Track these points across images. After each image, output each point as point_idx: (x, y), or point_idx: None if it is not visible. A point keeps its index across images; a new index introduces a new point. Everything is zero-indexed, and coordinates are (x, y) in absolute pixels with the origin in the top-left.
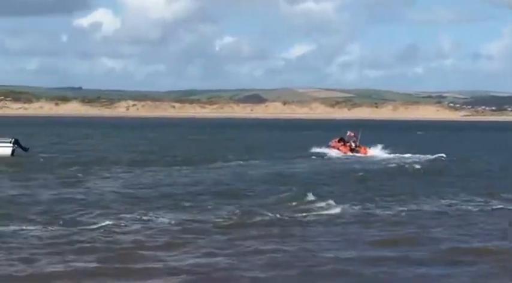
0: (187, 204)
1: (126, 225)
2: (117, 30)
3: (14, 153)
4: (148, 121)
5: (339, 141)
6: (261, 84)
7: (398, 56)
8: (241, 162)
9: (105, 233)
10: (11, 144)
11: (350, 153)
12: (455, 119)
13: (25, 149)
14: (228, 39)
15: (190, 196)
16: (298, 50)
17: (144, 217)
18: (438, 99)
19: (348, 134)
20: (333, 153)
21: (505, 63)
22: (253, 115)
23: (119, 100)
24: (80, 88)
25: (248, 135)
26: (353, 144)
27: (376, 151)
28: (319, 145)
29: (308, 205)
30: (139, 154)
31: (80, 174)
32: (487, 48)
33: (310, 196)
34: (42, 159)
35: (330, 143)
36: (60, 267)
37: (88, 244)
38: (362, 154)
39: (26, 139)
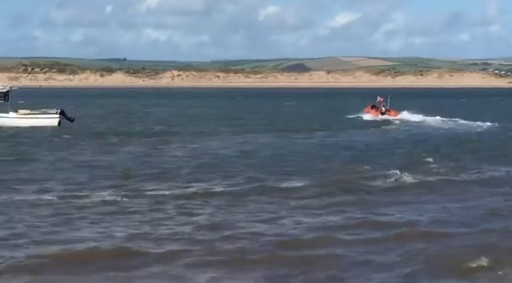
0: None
1: None
2: (161, 1)
3: (60, 124)
4: (195, 91)
5: (371, 108)
6: (305, 53)
7: (443, 23)
8: (324, 133)
9: None
10: (57, 115)
11: (381, 116)
12: (501, 86)
13: (71, 120)
14: (271, 9)
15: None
16: (342, 19)
17: None
18: (483, 66)
19: (377, 99)
20: (367, 116)
21: None
22: (297, 84)
23: (164, 71)
24: (125, 59)
25: (303, 104)
26: (383, 108)
27: (405, 115)
28: (357, 112)
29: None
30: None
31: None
32: None
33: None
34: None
35: (364, 109)
36: None
37: None
38: (392, 117)
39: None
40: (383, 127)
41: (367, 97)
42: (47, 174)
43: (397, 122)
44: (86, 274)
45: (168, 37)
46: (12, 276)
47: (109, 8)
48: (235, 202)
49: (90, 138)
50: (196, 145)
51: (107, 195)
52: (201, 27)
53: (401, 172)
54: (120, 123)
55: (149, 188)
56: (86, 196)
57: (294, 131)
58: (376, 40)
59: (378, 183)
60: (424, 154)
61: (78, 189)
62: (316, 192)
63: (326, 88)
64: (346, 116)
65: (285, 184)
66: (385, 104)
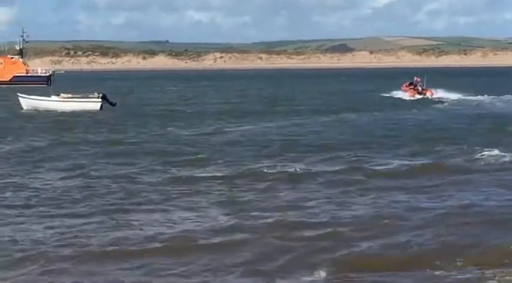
0: None
1: None
2: None
3: (102, 108)
4: (238, 73)
5: (409, 85)
6: (347, 33)
7: (486, 2)
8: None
9: None
10: (100, 99)
11: (418, 95)
12: None
13: (113, 104)
14: None
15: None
16: None
17: None
18: None
19: (415, 79)
20: (404, 95)
21: None
22: (339, 65)
23: (206, 53)
24: (167, 41)
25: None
26: (419, 88)
27: (441, 94)
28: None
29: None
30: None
31: None
32: None
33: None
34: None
35: (402, 87)
36: None
37: None
38: (428, 96)
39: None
40: (433, 105)
41: (411, 77)
42: None
43: (444, 101)
44: None
45: (210, 19)
46: None
47: None
48: None
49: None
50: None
51: None
52: (242, 9)
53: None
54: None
55: None
56: None
57: (359, 110)
58: (419, 20)
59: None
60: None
61: None
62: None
63: (369, 68)
64: (383, 94)
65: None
66: (422, 84)
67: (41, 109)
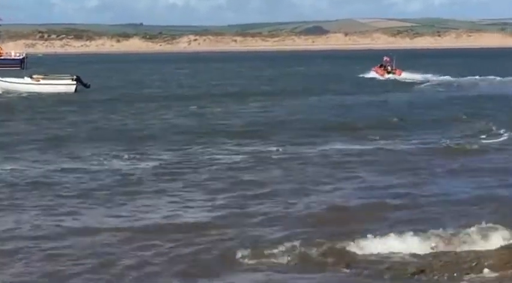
0: None
1: None
2: None
3: (77, 90)
4: (214, 55)
5: (379, 67)
6: (322, 15)
7: None
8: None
9: None
10: (74, 82)
11: (387, 75)
12: None
13: (86, 86)
14: None
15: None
16: None
17: None
18: (502, 26)
19: (384, 59)
20: (375, 75)
21: None
22: (314, 47)
23: (180, 35)
24: (141, 24)
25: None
26: (389, 68)
27: (408, 74)
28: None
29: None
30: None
31: None
32: None
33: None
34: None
35: (372, 68)
36: None
37: None
38: (397, 76)
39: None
40: (416, 86)
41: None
42: None
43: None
44: None
45: (185, 1)
46: None
47: None
48: None
49: None
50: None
51: None
52: None
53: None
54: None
55: None
56: None
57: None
58: (394, 1)
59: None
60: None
61: None
62: None
63: (344, 50)
64: (357, 75)
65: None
66: (391, 64)
67: (14, 91)
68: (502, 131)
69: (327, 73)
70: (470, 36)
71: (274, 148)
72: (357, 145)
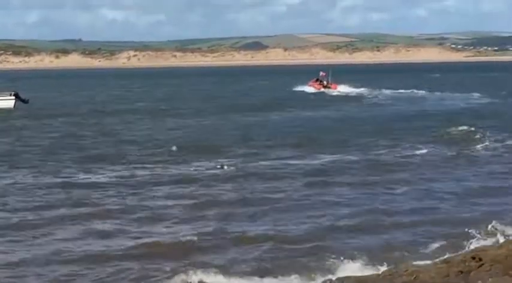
0: None
1: None
2: None
3: (15, 106)
4: (153, 71)
5: (315, 81)
6: (262, 31)
7: None
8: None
9: None
10: (13, 97)
11: (323, 89)
12: (458, 60)
13: (25, 101)
14: None
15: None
16: None
17: None
18: (440, 41)
19: (320, 74)
20: (310, 89)
21: (507, 2)
22: (254, 62)
23: (120, 51)
24: (80, 40)
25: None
26: (325, 82)
27: (343, 88)
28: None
29: None
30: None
31: None
32: None
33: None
34: None
35: (309, 82)
36: None
37: None
38: (332, 90)
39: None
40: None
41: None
42: None
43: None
44: None
45: (125, 17)
46: None
47: None
48: None
49: None
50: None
51: None
52: (157, 7)
53: None
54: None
55: None
56: None
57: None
58: (333, 16)
59: None
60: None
61: None
62: None
63: (283, 65)
64: (293, 89)
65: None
66: (327, 78)
67: None
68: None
69: (262, 88)
70: (408, 51)
71: None
72: None
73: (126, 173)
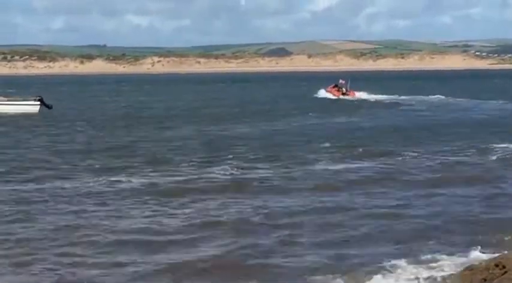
0: None
1: None
2: None
3: (40, 111)
4: (178, 77)
5: (334, 87)
6: (286, 37)
7: (424, 5)
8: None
9: None
10: (38, 102)
11: (342, 96)
12: (482, 68)
13: (49, 107)
14: None
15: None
16: (324, 2)
17: None
18: (464, 48)
19: (340, 81)
20: (329, 95)
21: None
22: (278, 68)
23: (144, 57)
24: (105, 46)
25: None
26: (344, 89)
27: (362, 95)
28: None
29: None
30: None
31: None
32: None
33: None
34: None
35: (327, 88)
36: None
37: None
38: (351, 97)
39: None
40: (400, 107)
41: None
42: None
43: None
44: None
45: (149, 23)
46: None
47: None
48: None
49: None
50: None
51: None
52: (182, 13)
53: None
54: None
55: None
56: None
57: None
58: (357, 23)
59: None
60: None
61: None
62: None
63: (307, 72)
64: (314, 95)
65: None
66: (346, 86)
67: None
68: None
69: (284, 94)
70: (432, 58)
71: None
72: None
73: None
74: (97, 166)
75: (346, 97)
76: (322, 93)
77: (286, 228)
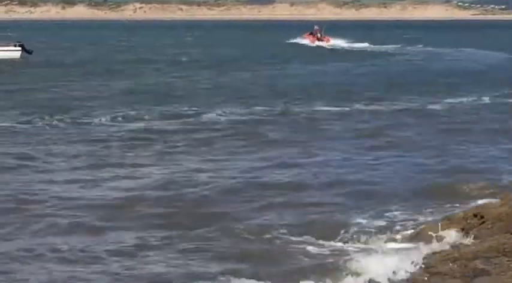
0: None
1: None
2: None
3: (21, 57)
4: (157, 23)
5: (309, 34)
6: None
7: None
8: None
9: None
10: (19, 48)
11: (317, 42)
12: (465, 18)
13: (29, 52)
14: None
15: None
16: None
17: None
18: None
19: (314, 28)
20: (305, 41)
21: None
22: (260, 17)
23: (126, 3)
24: None
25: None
26: (319, 35)
27: (337, 41)
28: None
29: None
30: None
31: None
32: None
33: None
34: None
35: (303, 35)
36: None
37: None
38: (325, 42)
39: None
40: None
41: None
42: None
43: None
44: None
45: None
46: None
47: None
48: None
49: None
50: None
51: None
52: None
53: None
54: None
55: None
56: None
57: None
58: None
59: None
60: None
61: None
62: None
63: (289, 20)
64: (287, 41)
65: None
66: (321, 32)
67: None
68: None
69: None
70: (415, 8)
71: None
72: None
73: None
74: None
75: (321, 43)
76: (299, 40)
77: None
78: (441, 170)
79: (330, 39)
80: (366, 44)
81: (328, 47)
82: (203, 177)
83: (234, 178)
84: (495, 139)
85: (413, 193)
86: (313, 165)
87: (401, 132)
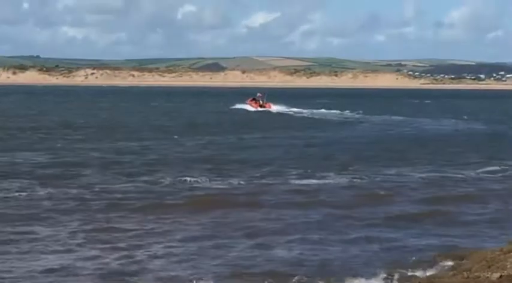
0: None
1: None
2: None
3: None
4: (109, 89)
5: (252, 100)
6: (221, 52)
7: (359, 24)
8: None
9: None
10: None
11: (259, 108)
12: (415, 87)
13: None
14: (189, 8)
15: None
16: (260, 18)
17: None
18: (398, 68)
19: (258, 94)
20: (248, 107)
21: (465, 32)
22: (212, 83)
23: (78, 69)
24: (38, 56)
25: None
26: (261, 102)
27: (278, 107)
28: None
29: None
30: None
31: None
32: (450, 16)
33: None
34: None
35: (247, 101)
36: None
37: None
38: (267, 108)
39: None
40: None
41: (280, 96)
42: None
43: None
44: None
45: (85, 35)
46: None
47: (26, 5)
48: None
49: None
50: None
51: None
52: (118, 26)
53: None
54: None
55: None
56: None
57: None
58: (292, 40)
59: None
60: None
61: None
62: None
63: (241, 87)
64: (231, 107)
65: None
66: (263, 99)
67: None
68: None
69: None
70: (366, 76)
71: None
72: None
73: None
74: None
75: (263, 109)
76: (242, 106)
77: None
78: None
79: (271, 105)
80: (306, 110)
81: (274, 112)
82: None
83: None
84: None
85: None
86: None
87: None
